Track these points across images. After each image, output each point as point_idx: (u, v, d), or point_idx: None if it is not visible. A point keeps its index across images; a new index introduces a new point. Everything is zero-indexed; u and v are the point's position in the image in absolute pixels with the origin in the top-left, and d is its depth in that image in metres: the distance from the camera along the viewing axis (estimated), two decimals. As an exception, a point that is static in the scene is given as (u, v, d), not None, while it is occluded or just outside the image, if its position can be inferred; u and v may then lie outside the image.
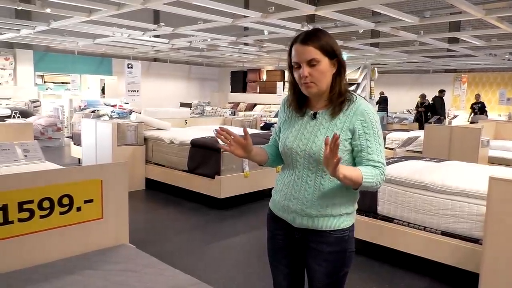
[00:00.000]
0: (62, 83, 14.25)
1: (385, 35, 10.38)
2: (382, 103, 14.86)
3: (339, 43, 1.81)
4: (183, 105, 15.08)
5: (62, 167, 3.22)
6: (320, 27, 1.73)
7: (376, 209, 3.55)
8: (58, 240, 2.26)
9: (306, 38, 1.57)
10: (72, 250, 2.30)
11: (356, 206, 1.72)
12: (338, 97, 1.60)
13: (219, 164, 5.03)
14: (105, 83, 15.15)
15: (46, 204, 2.18)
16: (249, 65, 18.00)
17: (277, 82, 13.73)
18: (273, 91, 14.82)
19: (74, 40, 11.37)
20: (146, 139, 6.18)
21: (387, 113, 13.51)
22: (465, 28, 13.16)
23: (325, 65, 1.57)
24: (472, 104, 13.35)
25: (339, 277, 1.69)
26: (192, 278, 2.06)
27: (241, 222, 4.84)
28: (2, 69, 12.60)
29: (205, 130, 6.41)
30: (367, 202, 3.54)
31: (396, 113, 15.28)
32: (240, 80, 18.54)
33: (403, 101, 16.79)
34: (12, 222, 2.08)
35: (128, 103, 11.31)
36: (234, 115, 11.70)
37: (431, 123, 9.90)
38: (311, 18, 13.50)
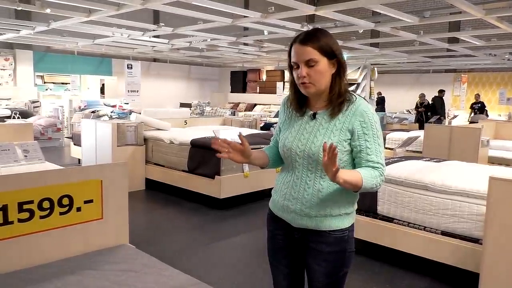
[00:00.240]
0: (62, 83, 14.26)
1: (385, 35, 10.38)
2: (380, 103, 14.86)
3: (339, 43, 1.80)
4: (183, 105, 15.08)
5: (62, 167, 3.22)
6: (320, 27, 1.69)
7: (376, 209, 3.55)
8: (58, 241, 2.26)
9: (305, 39, 1.57)
10: (72, 251, 2.30)
11: (355, 206, 1.72)
12: (338, 98, 1.60)
13: (219, 164, 5.03)
14: (105, 84, 15.16)
15: (46, 204, 2.18)
16: (249, 65, 18.00)
17: (277, 82, 13.71)
18: (273, 91, 14.81)
19: (73, 41, 11.37)
20: (146, 139, 6.18)
21: (386, 113, 13.51)
22: (465, 28, 13.14)
23: (324, 66, 1.57)
24: (472, 104, 13.36)
25: (338, 277, 1.69)
26: (192, 278, 2.06)
27: (241, 222, 4.84)
28: (2, 69, 12.60)
29: (205, 130, 6.41)
30: (367, 202, 3.54)
31: (396, 113, 15.28)
32: (240, 80, 18.53)
33: (403, 101, 16.78)
34: (12, 223, 2.08)
35: (128, 104, 11.31)
36: (234, 115, 11.70)
37: (431, 123, 9.91)
38: (311, 18, 13.50)
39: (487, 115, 12.89)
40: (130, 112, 8.05)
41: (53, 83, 14.20)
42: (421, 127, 10.35)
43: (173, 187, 5.81)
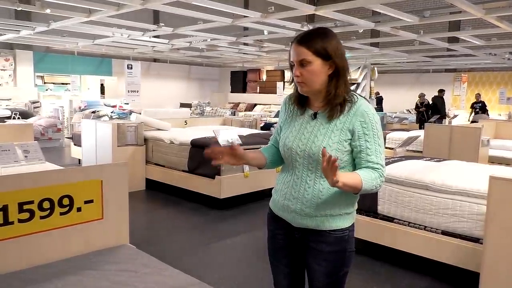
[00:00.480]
0: (62, 83, 14.26)
1: (385, 35, 10.39)
2: (378, 103, 14.85)
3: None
4: (183, 105, 15.08)
5: (62, 167, 3.22)
6: (325, 27, 1.69)
7: (376, 208, 3.55)
8: (59, 241, 2.26)
9: (300, 39, 1.59)
10: (73, 251, 2.30)
11: (356, 206, 1.72)
12: (334, 99, 1.59)
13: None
14: (105, 84, 15.16)
15: (46, 204, 2.18)
16: (249, 65, 18.00)
17: (277, 82, 13.71)
18: (273, 91, 14.81)
19: (74, 41, 11.37)
20: (146, 140, 6.18)
21: (386, 113, 13.50)
22: (465, 28, 13.14)
23: (317, 66, 1.57)
24: (473, 104, 13.33)
25: (339, 276, 1.69)
26: (192, 278, 2.06)
27: (241, 222, 4.84)
28: (2, 70, 12.60)
29: (205, 130, 6.40)
30: (367, 202, 3.54)
31: (396, 112, 15.28)
32: (240, 80, 18.54)
33: (403, 101, 16.78)
34: (12, 223, 2.08)
35: (128, 104, 11.31)
36: (234, 115, 11.70)
37: (432, 122, 9.91)
38: (311, 18, 13.51)
39: (488, 115, 12.87)
40: (130, 112, 8.05)
41: (53, 83, 14.20)
42: (422, 127, 10.34)
43: (173, 187, 5.81)
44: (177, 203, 5.50)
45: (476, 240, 3.00)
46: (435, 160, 4.20)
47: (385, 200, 3.50)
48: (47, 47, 13.33)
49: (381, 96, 15.26)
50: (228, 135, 5.27)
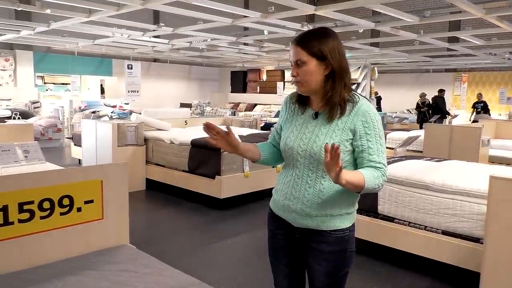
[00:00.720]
0: (62, 84, 14.26)
1: (385, 35, 10.38)
2: (377, 103, 14.83)
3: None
4: (183, 105, 15.08)
5: (62, 167, 3.22)
6: (325, 27, 1.69)
7: (376, 208, 3.55)
8: (59, 241, 2.25)
9: (298, 39, 1.60)
10: (73, 251, 2.30)
11: (356, 206, 1.71)
12: (332, 99, 1.59)
13: (219, 164, 5.03)
14: (105, 84, 15.15)
15: (46, 204, 2.18)
16: (249, 65, 18.00)
17: (277, 82, 13.71)
18: (273, 91, 14.81)
19: (74, 41, 11.37)
20: (146, 140, 6.18)
21: (386, 113, 13.49)
22: (465, 28, 13.13)
23: (312, 67, 1.57)
24: (474, 103, 13.30)
25: (339, 276, 1.69)
26: (192, 278, 2.06)
27: (242, 222, 4.84)
28: (2, 70, 12.60)
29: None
30: (368, 202, 3.54)
31: (396, 112, 15.28)
32: (240, 80, 18.54)
33: (403, 100, 16.77)
34: (12, 223, 2.07)
35: (128, 104, 11.32)
36: (234, 115, 11.70)
37: (434, 122, 9.90)
38: (311, 18, 13.50)
39: (489, 115, 12.84)
40: (131, 112, 8.06)
41: (54, 83, 14.21)
42: (422, 127, 10.30)
43: (173, 187, 5.81)
44: (177, 203, 5.50)
45: (476, 240, 3.00)
46: (435, 160, 4.20)
47: (386, 200, 3.50)
48: (47, 47, 13.32)
49: (379, 96, 15.27)
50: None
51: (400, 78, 17.88)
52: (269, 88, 16.48)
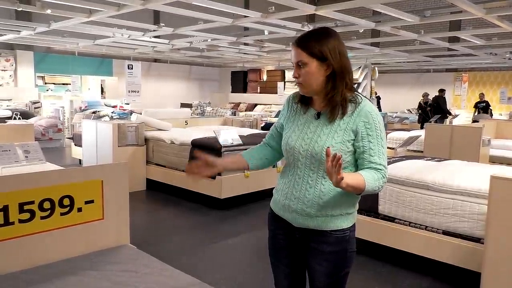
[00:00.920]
0: (63, 84, 14.26)
1: (385, 35, 10.38)
2: (376, 103, 14.78)
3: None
4: (183, 105, 15.08)
5: (62, 168, 3.22)
6: (326, 27, 1.69)
7: (377, 208, 3.55)
8: (59, 241, 2.25)
9: (298, 40, 1.60)
10: (73, 251, 2.30)
11: (357, 206, 1.71)
12: (333, 99, 1.59)
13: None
14: (105, 84, 15.15)
15: (46, 205, 2.18)
16: (250, 65, 18.00)
17: (277, 82, 13.71)
18: (273, 91, 14.80)
19: (74, 41, 11.38)
20: (146, 140, 6.18)
21: (387, 113, 13.44)
22: (465, 27, 13.12)
23: (313, 68, 1.57)
24: (476, 103, 13.26)
25: (340, 277, 1.69)
26: (193, 278, 2.06)
27: (242, 222, 4.84)
28: (2, 70, 12.61)
29: (205, 130, 6.40)
30: (368, 202, 3.54)
31: (396, 112, 15.27)
32: (241, 80, 18.54)
33: (404, 100, 16.77)
34: (13, 223, 2.07)
35: (128, 104, 11.31)
36: (235, 115, 11.70)
37: (435, 122, 9.89)
38: (311, 18, 13.51)
39: (491, 115, 12.79)
40: (131, 112, 8.06)
41: (54, 83, 14.21)
42: (423, 127, 10.25)
43: (173, 187, 5.81)
44: (177, 203, 5.50)
45: (477, 240, 2.99)
46: (436, 160, 4.20)
47: (386, 200, 3.50)
48: (47, 48, 13.33)
49: (378, 96, 15.24)
50: (229, 135, 5.27)
51: (400, 78, 17.87)
52: (269, 88, 16.47)
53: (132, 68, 6.82)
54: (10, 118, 9.94)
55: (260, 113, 13.55)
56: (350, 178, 1.47)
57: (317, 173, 1.61)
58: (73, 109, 12.07)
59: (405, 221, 3.39)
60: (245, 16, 7.82)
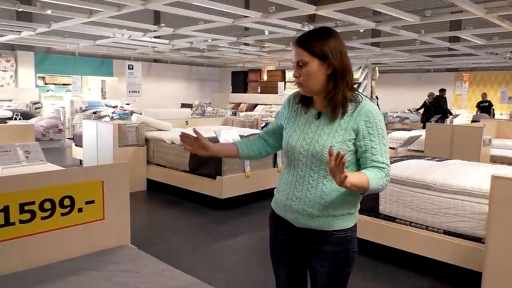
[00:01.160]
0: (63, 84, 14.26)
1: (385, 35, 10.37)
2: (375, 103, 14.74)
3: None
4: (184, 105, 15.07)
5: (63, 168, 3.22)
6: (327, 27, 1.69)
7: (378, 208, 3.54)
8: (60, 242, 2.25)
9: (298, 40, 1.60)
10: (74, 251, 2.30)
11: (358, 206, 1.71)
12: (334, 99, 1.58)
13: (220, 164, 5.03)
14: (103, 84, 15.12)
15: (47, 205, 2.18)
16: (250, 65, 18.00)
17: (278, 82, 13.70)
18: (274, 91, 14.78)
19: (75, 42, 11.38)
20: (147, 140, 6.18)
21: (387, 113, 13.41)
22: (466, 27, 13.12)
23: (314, 67, 1.57)
24: (479, 103, 13.21)
25: (341, 277, 1.69)
26: (193, 279, 2.05)
27: (243, 222, 4.84)
28: (3, 70, 12.62)
29: (206, 130, 6.38)
30: (369, 202, 3.53)
31: (397, 112, 15.26)
32: (241, 80, 18.53)
33: (404, 100, 16.75)
34: (13, 224, 2.07)
35: (129, 104, 11.31)
36: (235, 115, 11.69)
37: (436, 121, 9.88)
38: (311, 18, 13.52)
39: (493, 115, 12.73)
40: (131, 112, 8.06)
41: (54, 84, 14.21)
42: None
43: (174, 187, 5.81)
44: (178, 204, 5.50)
45: (478, 239, 2.99)
46: (436, 159, 4.19)
47: (387, 200, 3.49)
48: (48, 48, 13.34)
49: (376, 96, 15.19)
50: (229, 135, 5.27)
51: (401, 78, 17.86)
52: (270, 88, 16.45)
53: (132, 68, 6.82)
54: (10, 118, 9.95)
55: (261, 113, 13.53)
56: (353, 177, 1.46)
57: (318, 173, 1.61)
58: (74, 109, 12.06)
59: (405, 221, 3.38)
60: (245, 16, 7.81)
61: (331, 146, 1.44)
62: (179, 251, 3.85)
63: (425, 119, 12.19)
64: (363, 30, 8.68)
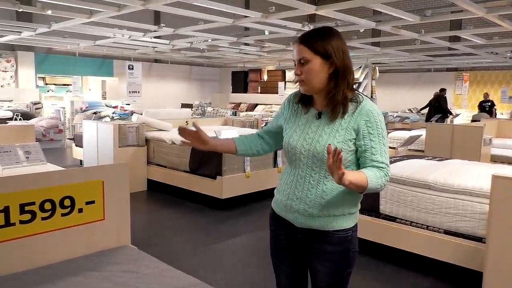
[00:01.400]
0: (64, 85, 14.26)
1: (386, 34, 10.36)
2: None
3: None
4: (184, 106, 15.07)
5: (63, 168, 3.22)
6: (329, 26, 1.70)
7: (378, 208, 3.54)
8: (60, 242, 2.25)
9: (301, 37, 1.60)
10: (74, 252, 2.30)
11: (359, 206, 1.71)
12: (335, 98, 1.58)
13: (220, 164, 5.02)
14: (106, 85, 15.14)
15: (47, 205, 2.17)
16: (250, 65, 18.00)
17: (278, 82, 13.70)
18: (274, 91, 14.78)
19: (75, 42, 11.38)
20: (147, 140, 6.18)
21: (388, 113, 13.39)
22: (466, 27, 13.12)
23: (316, 65, 1.56)
24: (481, 102, 13.16)
25: (342, 277, 1.68)
26: (194, 279, 2.05)
27: (243, 222, 4.83)
28: (3, 71, 12.63)
29: (206, 130, 6.36)
30: (370, 202, 3.53)
31: (397, 112, 15.25)
32: (241, 81, 18.52)
33: (404, 100, 16.74)
34: (13, 224, 2.07)
35: (129, 104, 11.31)
36: (235, 115, 11.69)
37: (436, 121, 9.88)
38: (311, 18, 13.51)
39: (495, 115, 12.68)
40: (132, 113, 8.06)
41: (55, 84, 14.21)
42: None
43: (174, 187, 5.80)
44: (178, 204, 5.50)
45: (479, 239, 2.99)
46: (437, 159, 4.19)
47: (387, 199, 3.49)
48: (48, 48, 13.34)
49: (374, 95, 15.16)
50: (230, 135, 5.27)
51: (401, 78, 17.85)
52: (270, 88, 16.45)
53: (132, 68, 6.82)
54: (11, 119, 9.95)
55: (261, 113, 13.53)
56: (352, 175, 1.46)
57: (319, 173, 1.61)
58: (74, 109, 12.06)
59: (406, 220, 3.38)
60: (246, 16, 7.81)
61: (329, 144, 1.44)
62: (180, 252, 3.85)
63: (429, 119, 12.15)
64: (363, 30, 8.68)
